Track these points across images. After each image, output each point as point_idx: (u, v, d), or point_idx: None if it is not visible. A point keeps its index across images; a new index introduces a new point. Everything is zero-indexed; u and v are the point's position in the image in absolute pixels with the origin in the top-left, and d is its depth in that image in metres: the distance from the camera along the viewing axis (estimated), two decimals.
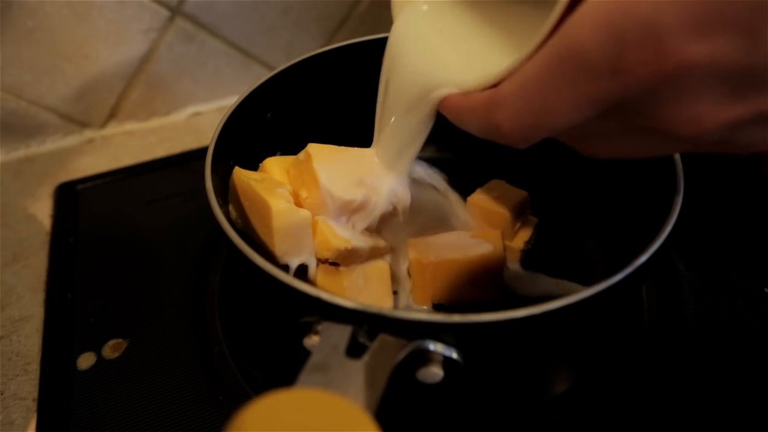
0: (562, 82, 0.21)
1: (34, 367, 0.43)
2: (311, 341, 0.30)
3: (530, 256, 0.46)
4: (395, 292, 0.43)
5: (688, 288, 0.46)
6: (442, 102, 0.29)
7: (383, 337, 0.28)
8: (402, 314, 0.28)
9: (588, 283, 0.31)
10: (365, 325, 0.29)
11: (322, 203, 0.39)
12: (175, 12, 0.58)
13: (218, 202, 0.36)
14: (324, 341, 0.28)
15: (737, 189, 0.55)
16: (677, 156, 0.38)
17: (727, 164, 0.57)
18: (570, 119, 0.22)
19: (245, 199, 0.38)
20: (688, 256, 0.48)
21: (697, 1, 0.19)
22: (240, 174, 0.39)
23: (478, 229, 0.45)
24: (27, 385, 0.42)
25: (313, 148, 0.39)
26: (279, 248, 0.36)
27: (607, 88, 0.21)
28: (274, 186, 0.37)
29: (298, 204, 0.39)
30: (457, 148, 0.54)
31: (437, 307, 0.43)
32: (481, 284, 0.42)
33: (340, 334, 0.28)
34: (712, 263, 0.48)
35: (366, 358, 0.27)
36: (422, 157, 0.45)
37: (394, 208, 0.41)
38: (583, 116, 0.22)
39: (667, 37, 0.19)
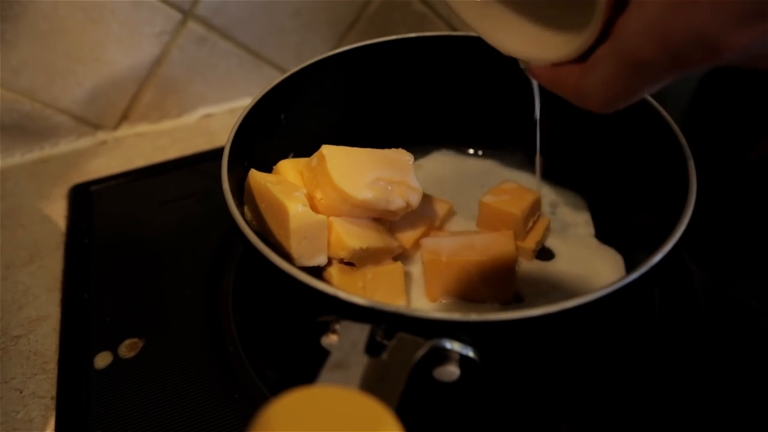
0: (634, 78, 0.26)
1: (52, 366, 0.44)
2: (329, 340, 0.30)
3: (542, 256, 0.47)
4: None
5: (700, 289, 0.46)
6: (535, 71, 0.34)
7: (401, 336, 0.29)
8: (420, 313, 0.29)
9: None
10: (383, 324, 0.29)
11: (337, 204, 0.39)
12: (188, 15, 0.58)
13: (234, 203, 0.37)
14: (343, 340, 0.28)
15: (749, 190, 0.55)
16: (690, 159, 0.38)
17: (739, 166, 0.57)
18: (645, 93, 0.28)
19: (261, 201, 0.38)
20: (700, 256, 0.48)
21: (736, 4, 0.21)
22: (256, 176, 0.39)
23: (490, 229, 0.46)
24: (45, 384, 0.43)
25: (327, 150, 0.39)
26: (296, 250, 0.37)
27: (673, 75, 0.25)
28: (291, 189, 0.38)
29: (313, 205, 0.39)
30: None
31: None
32: (494, 284, 0.42)
33: (359, 332, 0.29)
34: (723, 264, 0.48)
35: (385, 356, 0.28)
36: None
37: (407, 204, 0.42)
38: (656, 88, 0.27)
39: (719, 40, 0.22)
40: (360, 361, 0.27)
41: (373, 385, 0.26)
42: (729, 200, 0.54)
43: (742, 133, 0.62)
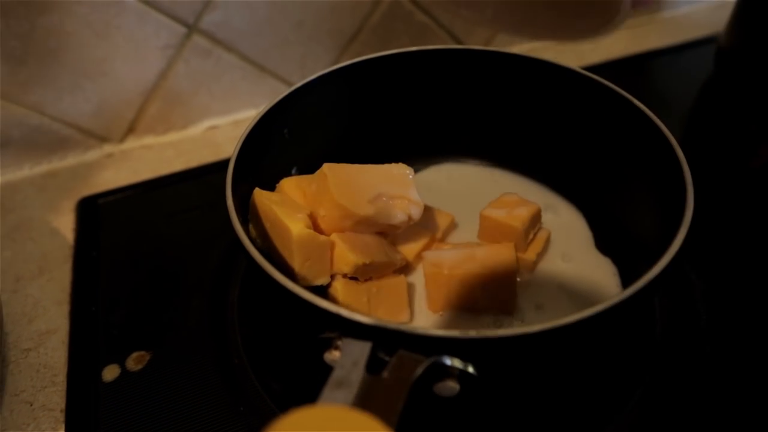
0: None
1: (61, 379, 0.44)
2: (332, 356, 0.31)
3: (543, 268, 0.47)
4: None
5: (701, 298, 0.46)
6: None
7: (401, 353, 0.29)
8: (420, 330, 0.29)
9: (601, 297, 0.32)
10: (384, 341, 0.30)
11: (340, 220, 0.40)
12: (192, 29, 0.59)
13: (238, 219, 0.37)
14: (345, 357, 0.29)
15: (750, 199, 0.55)
16: (687, 174, 0.38)
17: (740, 174, 0.57)
18: None
19: (266, 220, 0.39)
20: (701, 265, 0.48)
21: None
22: (260, 196, 0.40)
23: (491, 241, 0.46)
24: (55, 397, 0.43)
25: (329, 168, 0.40)
26: (299, 271, 0.38)
27: None
28: (295, 210, 0.39)
29: (316, 222, 0.40)
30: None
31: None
32: (495, 295, 0.43)
33: (361, 349, 0.29)
34: (724, 273, 0.48)
35: (386, 373, 0.28)
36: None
37: (409, 218, 0.42)
38: None
39: None
40: (361, 379, 0.27)
41: (373, 403, 0.26)
42: (730, 208, 0.54)
43: (743, 140, 0.62)
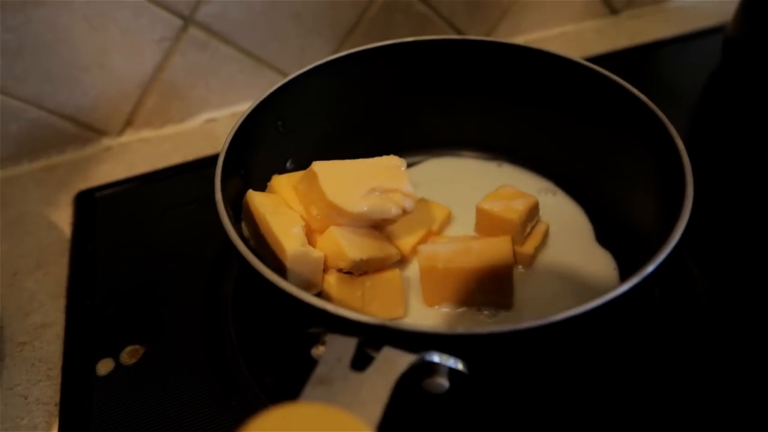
0: None
1: (56, 373, 0.44)
2: (318, 352, 0.31)
3: (541, 262, 0.46)
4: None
5: (702, 292, 0.45)
6: None
7: (388, 349, 0.29)
8: (406, 326, 0.29)
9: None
10: (370, 337, 0.29)
11: (333, 218, 0.39)
12: (188, 21, 0.59)
13: (228, 212, 0.37)
14: (329, 353, 0.28)
15: (752, 190, 0.54)
16: (686, 157, 0.37)
17: (747, 167, 0.56)
18: None
19: (260, 225, 0.39)
20: (702, 259, 0.47)
21: None
22: (254, 200, 0.40)
23: (488, 235, 0.46)
24: (49, 390, 0.43)
25: (318, 166, 0.39)
26: (290, 283, 0.38)
27: None
28: (290, 222, 0.38)
29: (309, 222, 0.40)
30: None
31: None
32: (491, 290, 0.42)
33: (346, 345, 0.29)
34: (729, 267, 0.47)
35: (370, 370, 0.28)
36: None
37: (403, 211, 0.41)
38: None
39: None
40: (344, 376, 0.27)
41: (355, 401, 0.26)
42: (736, 201, 0.53)
43: (750, 132, 0.61)
